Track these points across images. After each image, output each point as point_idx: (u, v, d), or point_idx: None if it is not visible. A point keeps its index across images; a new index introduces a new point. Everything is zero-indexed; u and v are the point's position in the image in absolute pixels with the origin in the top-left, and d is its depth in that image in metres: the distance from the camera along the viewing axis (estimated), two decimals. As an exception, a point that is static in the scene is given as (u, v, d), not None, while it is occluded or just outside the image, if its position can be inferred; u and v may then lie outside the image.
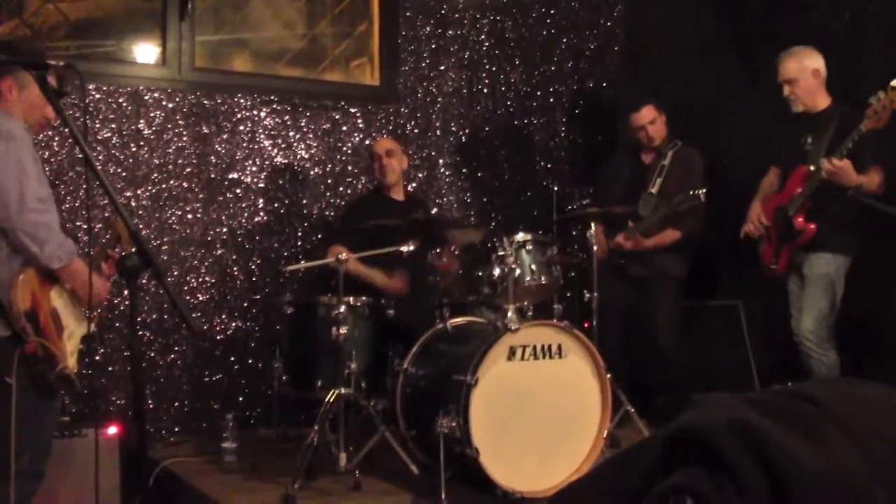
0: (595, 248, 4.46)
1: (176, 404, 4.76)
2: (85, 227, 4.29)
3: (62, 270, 2.96)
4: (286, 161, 5.11)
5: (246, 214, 4.99)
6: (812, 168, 4.12)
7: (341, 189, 5.26)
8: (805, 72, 4.24)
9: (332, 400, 3.78)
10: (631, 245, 4.78)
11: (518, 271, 3.84)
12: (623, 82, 6.03)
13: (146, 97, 4.76)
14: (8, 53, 3.03)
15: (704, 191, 4.40)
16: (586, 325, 4.48)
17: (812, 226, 4.16)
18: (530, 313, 3.89)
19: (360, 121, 5.33)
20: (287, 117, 5.12)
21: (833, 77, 4.37)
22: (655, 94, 5.08)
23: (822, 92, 4.28)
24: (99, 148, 4.62)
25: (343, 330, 3.84)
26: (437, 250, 4.13)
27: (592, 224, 4.45)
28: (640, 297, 4.92)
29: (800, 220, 4.19)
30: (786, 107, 4.32)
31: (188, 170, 4.85)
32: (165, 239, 4.78)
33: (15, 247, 2.88)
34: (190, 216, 4.85)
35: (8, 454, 2.77)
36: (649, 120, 4.90)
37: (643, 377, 4.96)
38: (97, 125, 4.63)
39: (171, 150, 4.81)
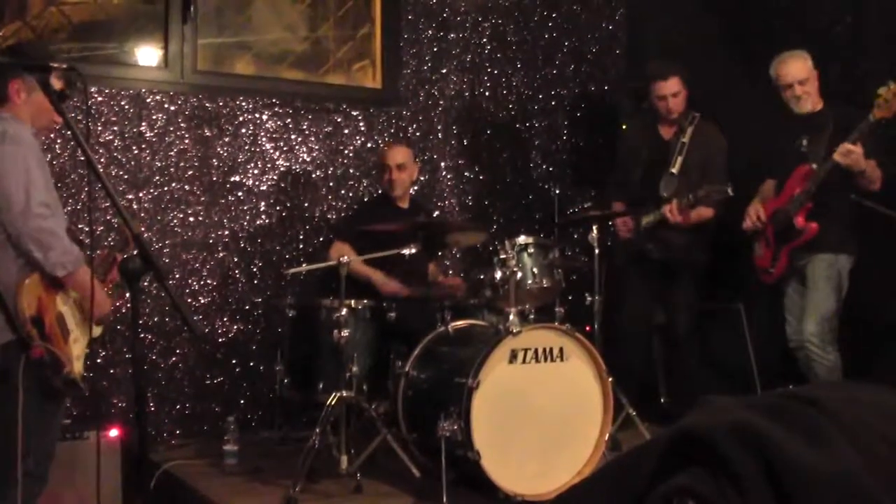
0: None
1: (177, 407, 4.76)
2: (87, 229, 4.29)
3: (67, 278, 2.92)
4: (288, 164, 5.11)
5: (248, 217, 4.99)
6: (814, 166, 4.11)
7: (343, 192, 5.27)
8: (813, 72, 4.25)
9: (333, 403, 3.78)
10: (681, 218, 4.59)
11: (520, 274, 3.84)
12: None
13: (148, 100, 4.76)
14: (14, 57, 3.03)
15: (730, 187, 4.39)
16: (588, 328, 4.47)
17: (814, 224, 4.15)
18: (532, 316, 3.89)
19: (361, 124, 5.33)
20: (289, 120, 5.12)
21: (834, 79, 4.37)
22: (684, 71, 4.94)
23: (818, 94, 4.29)
24: (101, 150, 4.62)
25: (345, 333, 3.84)
26: (442, 264, 4.12)
27: (594, 227, 4.45)
28: (661, 285, 4.85)
29: (800, 219, 4.18)
30: (785, 110, 4.31)
31: (190, 173, 4.85)
32: (167, 242, 4.78)
33: (21, 253, 2.88)
34: (192, 219, 4.85)
35: (14, 457, 2.77)
36: (673, 91, 4.81)
37: (655, 371, 4.97)
38: (99, 128, 4.63)
39: (172, 153, 4.81)
